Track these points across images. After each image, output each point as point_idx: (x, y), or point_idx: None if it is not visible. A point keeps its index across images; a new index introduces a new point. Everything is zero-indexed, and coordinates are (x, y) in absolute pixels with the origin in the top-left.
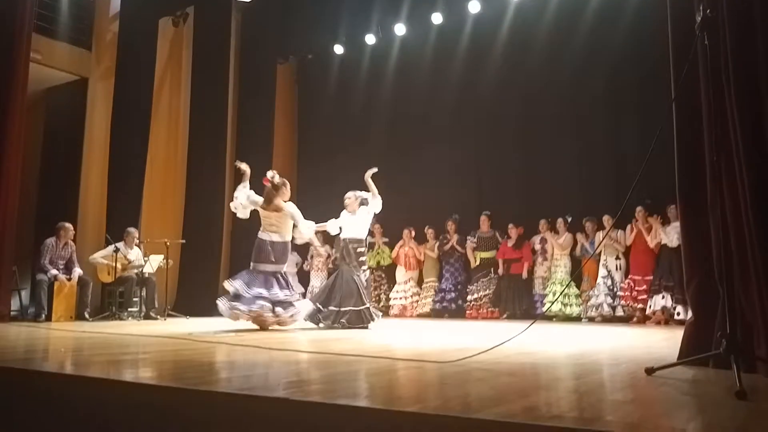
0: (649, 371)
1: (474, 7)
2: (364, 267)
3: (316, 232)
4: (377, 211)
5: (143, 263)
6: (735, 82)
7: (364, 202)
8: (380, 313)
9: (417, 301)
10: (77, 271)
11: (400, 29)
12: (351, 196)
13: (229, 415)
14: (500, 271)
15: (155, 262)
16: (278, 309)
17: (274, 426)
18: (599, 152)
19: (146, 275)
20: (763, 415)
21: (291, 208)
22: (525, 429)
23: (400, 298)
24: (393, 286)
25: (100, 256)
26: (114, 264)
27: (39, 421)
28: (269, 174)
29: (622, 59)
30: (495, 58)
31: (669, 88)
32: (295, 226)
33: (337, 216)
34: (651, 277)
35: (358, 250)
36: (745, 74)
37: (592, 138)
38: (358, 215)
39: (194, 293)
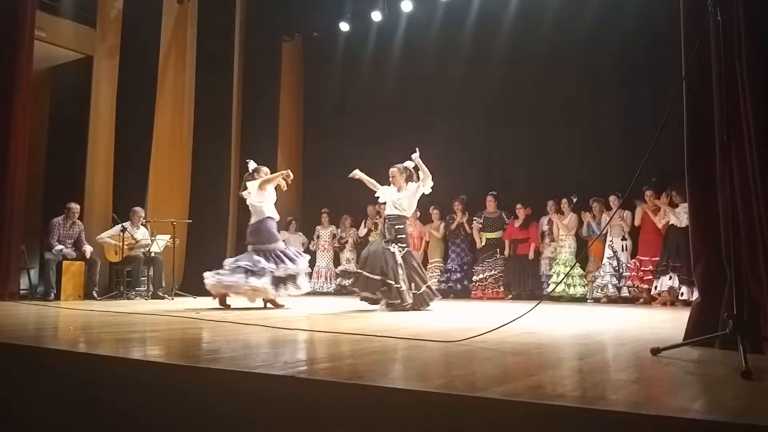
0: (655, 351)
1: None
2: (402, 245)
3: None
4: (426, 192)
5: (150, 243)
6: (747, 59)
7: (411, 177)
8: (435, 296)
9: None
10: (88, 248)
11: (406, 5)
12: (394, 170)
13: (236, 392)
14: (507, 252)
15: (162, 241)
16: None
17: (280, 404)
18: (608, 132)
19: (153, 255)
20: None
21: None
22: (529, 407)
23: None
24: None
25: (107, 236)
26: (121, 244)
27: (49, 397)
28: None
29: (631, 36)
30: (502, 35)
31: (680, 65)
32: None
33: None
34: (658, 258)
35: (397, 227)
36: (758, 52)
37: (600, 117)
38: (403, 191)
39: (201, 272)
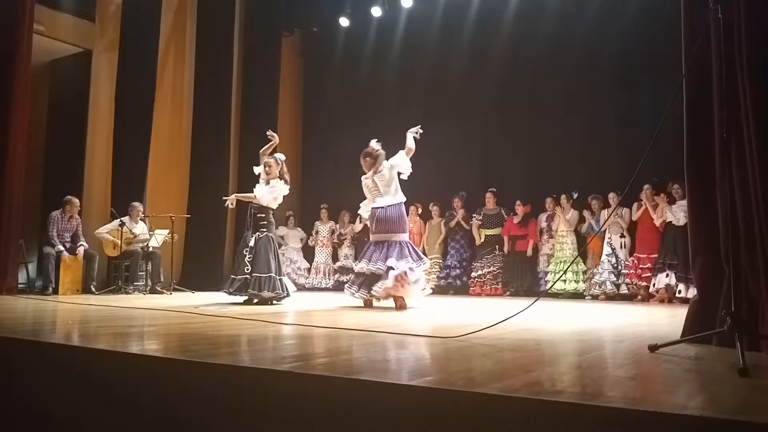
0: (653, 348)
1: None
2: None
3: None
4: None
5: (148, 237)
6: (748, 57)
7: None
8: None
9: None
10: (82, 247)
11: (406, 1)
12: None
13: (234, 387)
14: (506, 248)
15: (160, 236)
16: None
17: (278, 399)
18: (607, 129)
19: (151, 249)
20: (765, 392)
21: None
22: (527, 403)
23: None
24: None
25: (105, 231)
26: (120, 238)
27: (47, 392)
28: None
29: (632, 34)
30: (503, 31)
31: (680, 63)
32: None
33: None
34: (656, 255)
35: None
36: (758, 50)
37: (600, 115)
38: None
39: (200, 268)
